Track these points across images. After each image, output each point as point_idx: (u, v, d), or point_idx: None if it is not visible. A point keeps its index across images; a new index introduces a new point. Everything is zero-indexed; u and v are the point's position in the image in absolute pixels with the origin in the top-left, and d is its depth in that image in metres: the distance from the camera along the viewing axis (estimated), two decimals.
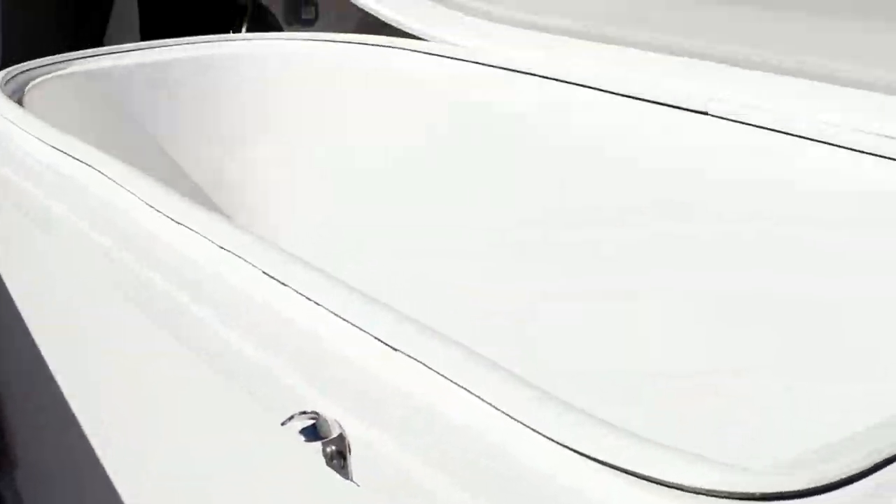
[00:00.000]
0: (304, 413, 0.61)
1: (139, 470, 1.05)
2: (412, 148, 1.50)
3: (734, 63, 1.17)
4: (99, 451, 1.13)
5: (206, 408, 0.83)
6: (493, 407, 0.56)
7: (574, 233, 1.27)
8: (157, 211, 0.87)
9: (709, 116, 1.12)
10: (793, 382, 1.06)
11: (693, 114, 1.13)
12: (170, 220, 0.85)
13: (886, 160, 1.02)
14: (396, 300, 1.46)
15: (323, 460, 0.63)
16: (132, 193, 0.91)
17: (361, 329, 0.65)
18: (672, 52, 1.22)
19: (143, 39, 1.96)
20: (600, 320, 1.27)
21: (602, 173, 1.24)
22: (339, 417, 0.62)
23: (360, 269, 1.55)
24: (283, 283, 0.72)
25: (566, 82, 1.28)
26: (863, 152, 1.03)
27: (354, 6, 1.64)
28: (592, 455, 0.52)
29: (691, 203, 1.15)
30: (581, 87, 1.26)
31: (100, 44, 1.98)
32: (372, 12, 1.60)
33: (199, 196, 1.55)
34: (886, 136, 1.03)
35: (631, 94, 1.21)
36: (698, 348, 1.16)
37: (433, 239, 1.47)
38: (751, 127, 1.09)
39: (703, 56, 1.19)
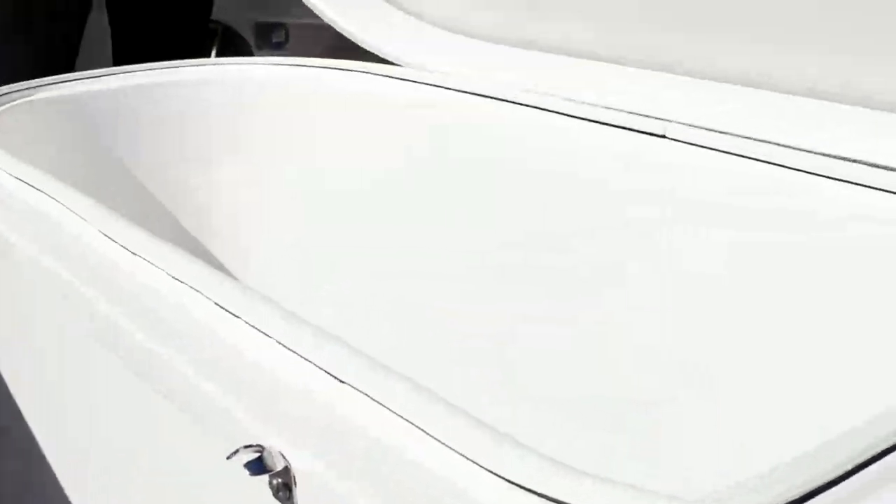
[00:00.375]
0: (250, 446, 0.61)
1: (94, 498, 1.05)
2: (382, 171, 1.50)
3: (696, 88, 1.18)
4: (58, 476, 1.12)
5: (160, 438, 0.83)
6: (440, 442, 0.56)
7: (548, 255, 1.28)
8: (114, 241, 0.87)
9: (668, 139, 1.12)
10: (771, 401, 1.06)
11: (655, 137, 1.14)
12: (126, 250, 0.85)
13: (848, 184, 1.03)
14: (374, 322, 1.48)
15: (270, 492, 0.63)
16: (89, 224, 0.91)
17: (309, 361, 0.65)
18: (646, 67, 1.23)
19: (115, 65, 1.96)
20: (580, 343, 1.27)
21: (575, 196, 1.25)
22: (284, 450, 0.62)
23: (335, 290, 1.56)
24: (234, 315, 0.72)
25: (538, 108, 1.29)
26: (819, 175, 1.04)
27: (326, 29, 1.64)
28: (538, 491, 0.52)
29: (665, 223, 1.16)
30: (554, 114, 1.27)
31: (72, 69, 1.97)
32: (343, 31, 1.60)
33: (167, 220, 1.55)
34: (842, 158, 1.04)
35: (602, 120, 1.21)
36: (677, 368, 1.16)
37: (408, 261, 1.47)
38: (711, 151, 1.10)
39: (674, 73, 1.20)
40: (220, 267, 1.58)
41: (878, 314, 0.99)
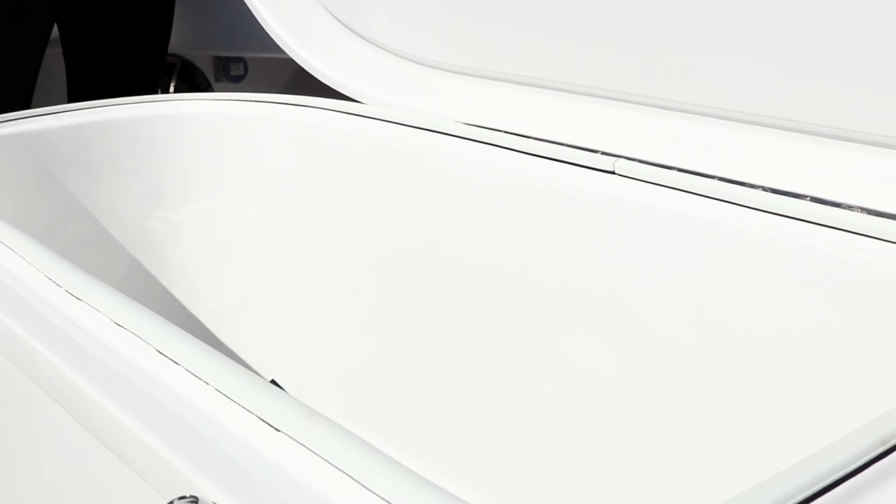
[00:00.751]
0: (184, 497, 0.61)
1: None
2: (333, 205, 1.50)
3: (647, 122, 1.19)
4: None
5: (100, 486, 0.82)
6: (374, 493, 0.56)
7: (492, 291, 1.28)
8: (57, 284, 0.87)
9: (616, 175, 1.13)
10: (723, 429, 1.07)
11: (603, 173, 1.14)
12: (68, 294, 0.85)
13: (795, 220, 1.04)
14: (327, 351, 1.47)
15: None
16: (31, 265, 0.90)
17: (245, 409, 0.65)
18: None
19: (70, 101, 1.95)
20: (523, 381, 1.28)
21: (522, 235, 1.25)
22: (219, 500, 0.62)
23: (290, 321, 1.56)
24: (174, 362, 0.72)
25: (487, 143, 1.29)
26: (768, 212, 1.04)
27: (285, 63, 1.64)
28: None
29: (613, 264, 1.17)
30: (504, 150, 1.27)
31: (28, 106, 1.97)
32: (303, 65, 1.60)
33: (124, 258, 1.54)
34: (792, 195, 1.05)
35: (550, 156, 1.22)
36: (628, 401, 1.17)
37: (362, 291, 1.47)
38: (657, 186, 1.10)
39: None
40: (177, 304, 1.57)
41: (834, 346, 1.00)
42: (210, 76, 2.08)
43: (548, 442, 1.26)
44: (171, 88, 2.10)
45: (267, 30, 1.59)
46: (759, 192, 1.06)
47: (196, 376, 0.70)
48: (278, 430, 0.62)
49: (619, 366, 1.17)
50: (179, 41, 2.08)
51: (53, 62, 2.12)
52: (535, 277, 1.24)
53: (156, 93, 2.09)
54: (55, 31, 2.09)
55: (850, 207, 1.01)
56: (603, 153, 1.16)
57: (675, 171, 1.11)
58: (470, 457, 1.33)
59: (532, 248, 1.24)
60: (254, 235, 1.58)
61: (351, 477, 0.57)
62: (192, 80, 2.09)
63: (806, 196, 1.03)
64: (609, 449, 1.19)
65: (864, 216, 1.00)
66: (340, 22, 1.59)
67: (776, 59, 1.06)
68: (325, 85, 1.55)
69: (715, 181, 1.09)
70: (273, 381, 1.55)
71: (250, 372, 0.69)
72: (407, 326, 1.43)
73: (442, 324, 1.37)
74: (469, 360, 1.34)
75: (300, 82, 1.62)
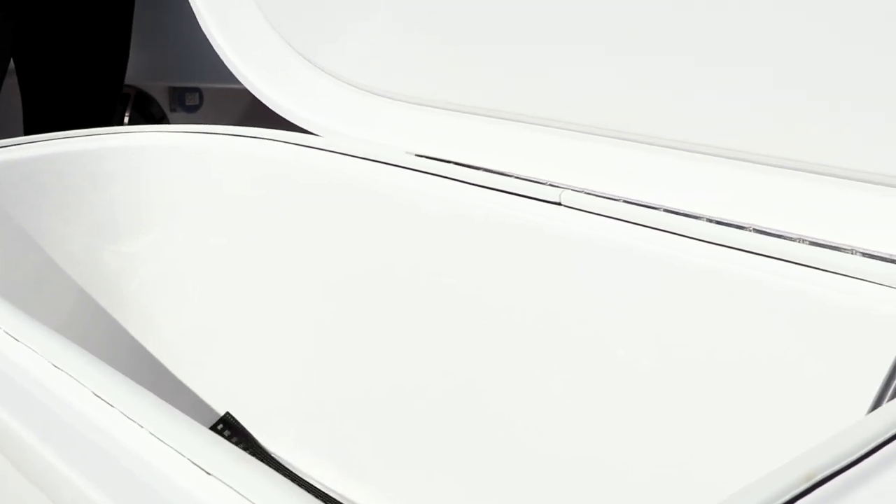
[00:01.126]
0: None
1: None
2: (291, 237, 1.50)
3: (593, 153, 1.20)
4: None
5: None
6: None
7: (441, 325, 1.28)
8: None
9: (563, 207, 1.14)
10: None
11: (549, 204, 1.15)
12: (7, 335, 0.85)
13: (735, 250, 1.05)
14: (287, 382, 1.46)
15: None
16: None
17: (178, 452, 0.65)
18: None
19: (26, 133, 1.94)
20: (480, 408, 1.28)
21: (473, 269, 1.26)
22: None
23: (244, 353, 1.55)
24: (110, 405, 0.72)
25: (437, 175, 1.30)
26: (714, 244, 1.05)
27: (242, 94, 1.64)
28: None
29: (561, 299, 1.17)
30: (453, 181, 1.28)
31: None
32: (258, 95, 1.60)
33: (75, 293, 1.53)
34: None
35: (497, 187, 1.22)
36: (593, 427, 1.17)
37: (321, 325, 1.47)
38: (604, 217, 1.11)
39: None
40: (131, 338, 1.56)
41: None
42: (165, 106, 2.07)
43: (505, 471, 1.26)
44: (126, 119, 2.10)
45: (224, 60, 1.59)
46: (703, 222, 1.07)
47: (131, 419, 0.69)
48: (209, 474, 0.62)
49: (575, 394, 1.18)
50: (134, 71, 2.08)
51: (12, 94, 2.11)
52: (487, 306, 1.24)
53: (112, 124, 2.08)
54: (11, 63, 2.09)
55: (795, 239, 1.02)
56: (550, 184, 1.17)
57: (621, 203, 1.11)
58: (424, 487, 1.33)
59: (483, 277, 1.24)
60: (208, 267, 1.57)
61: None
62: (147, 111, 2.09)
63: (749, 227, 1.04)
64: (569, 478, 1.19)
65: (810, 247, 1.00)
66: (297, 52, 1.59)
67: (717, 88, 1.07)
68: (280, 119, 1.56)
69: (661, 212, 1.09)
70: (227, 414, 1.54)
71: (184, 415, 0.69)
72: (362, 355, 1.42)
73: (397, 353, 1.37)
74: (425, 389, 1.34)
75: (256, 112, 1.62)
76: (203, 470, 0.63)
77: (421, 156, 1.34)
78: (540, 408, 1.21)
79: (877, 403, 0.87)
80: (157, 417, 0.69)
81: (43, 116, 2.09)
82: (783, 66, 1.03)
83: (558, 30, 1.20)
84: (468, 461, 1.30)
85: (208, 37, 1.60)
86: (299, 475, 1.45)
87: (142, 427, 0.69)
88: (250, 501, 0.59)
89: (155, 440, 0.67)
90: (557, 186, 1.16)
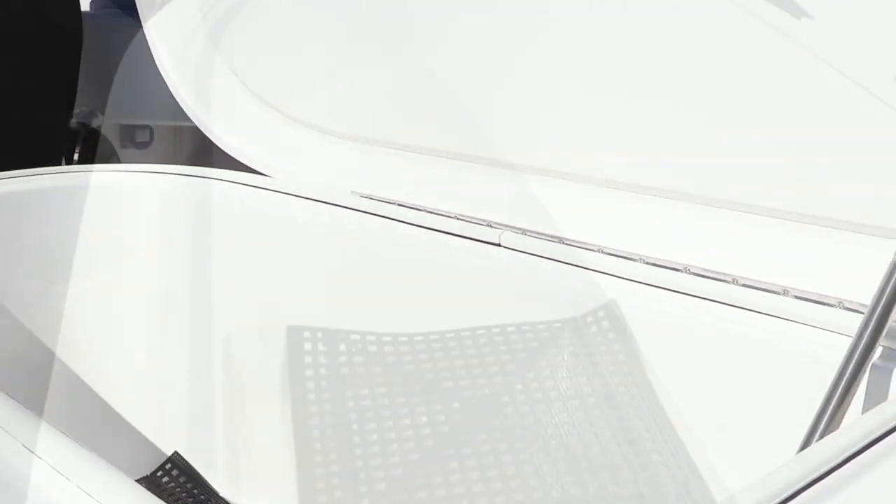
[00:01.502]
0: None
1: None
2: (237, 276, 1.50)
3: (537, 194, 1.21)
4: None
5: None
6: None
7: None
8: None
9: (502, 248, 1.15)
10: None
11: (489, 245, 1.16)
12: None
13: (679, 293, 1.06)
14: (227, 420, 1.45)
15: None
16: None
17: None
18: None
19: None
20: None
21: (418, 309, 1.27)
22: None
23: (191, 392, 1.55)
24: (38, 457, 0.72)
25: (380, 216, 1.31)
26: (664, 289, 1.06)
27: (191, 132, 1.64)
28: None
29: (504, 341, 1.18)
30: (397, 222, 1.29)
31: None
32: (209, 134, 1.60)
33: (22, 334, 1.52)
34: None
35: (441, 229, 1.23)
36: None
37: (259, 363, 1.47)
38: (548, 261, 1.12)
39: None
40: (76, 379, 1.55)
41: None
42: (116, 143, 2.07)
43: None
44: (76, 156, 2.09)
45: (177, 98, 1.59)
46: (639, 263, 1.08)
47: (58, 472, 0.69)
48: None
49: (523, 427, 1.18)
50: (83, 108, 2.07)
51: None
52: (429, 344, 1.25)
53: (60, 163, 2.07)
54: None
55: (731, 280, 1.04)
56: (489, 224, 1.18)
57: (557, 243, 1.12)
58: None
59: (425, 315, 1.25)
60: (155, 306, 1.57)
61: None
62: (97, 148, 2.08)
63: (685, 268, 1.06)
64: None
65: (742, 289, 1.02)
66: (252, 91, 1.60)
67: (650, 130, 1.09)
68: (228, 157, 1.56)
69: (598, 253, 1.11)
70: (175, 454, 1.53)
71: (111, 466, 0.69)
72: (303, 394, 1.42)
73: (340, 393, 1.37)
74: (364, 432, 1.34)
75: (206, 149, 1.62)
76: None
77: (366, 196, 1.35)
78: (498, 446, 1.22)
79: (806, 443, 0.88)
80: (85, 469, 0.69)
81: None
82: (714, 112, 1.04)
83: (501, 72, 1.22)
84: None
85: (163, 74, 1.60)
86: None
87: (69, 480, 0.69)
88: None
89: (81, 493, 0.67)
90: (498, 226, 1.17)
